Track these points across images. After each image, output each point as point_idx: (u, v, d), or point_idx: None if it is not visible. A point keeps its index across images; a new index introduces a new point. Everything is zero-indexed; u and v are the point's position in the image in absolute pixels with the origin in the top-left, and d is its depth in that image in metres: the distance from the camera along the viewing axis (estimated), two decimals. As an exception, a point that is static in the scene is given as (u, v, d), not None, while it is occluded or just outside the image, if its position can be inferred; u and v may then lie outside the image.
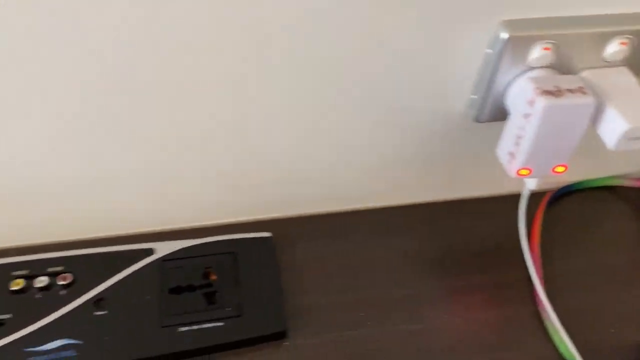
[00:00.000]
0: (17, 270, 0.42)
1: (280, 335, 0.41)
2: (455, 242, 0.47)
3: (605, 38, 0.37)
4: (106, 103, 0.37)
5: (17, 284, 0.41)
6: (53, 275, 0.42)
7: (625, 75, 0.38)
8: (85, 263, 0.43)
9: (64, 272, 0.42)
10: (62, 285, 0.41)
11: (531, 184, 0.43)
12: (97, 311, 0.40)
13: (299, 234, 0.47)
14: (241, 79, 0.37)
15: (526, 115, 0.35)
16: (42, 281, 0.41)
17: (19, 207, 0.43)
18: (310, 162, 0.44)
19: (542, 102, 0.34)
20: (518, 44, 0.36)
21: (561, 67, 0.38)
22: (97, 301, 0.41)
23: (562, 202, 0.50)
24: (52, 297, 0.41)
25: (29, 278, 0.41)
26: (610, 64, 0.38)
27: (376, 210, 0.49)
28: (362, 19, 0.35)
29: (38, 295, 0.41)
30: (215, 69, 0.36)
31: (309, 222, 0.48)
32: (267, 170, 0.44)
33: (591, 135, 0.37)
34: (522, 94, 0.36)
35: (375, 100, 0.40)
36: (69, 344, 0.38)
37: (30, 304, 0.40)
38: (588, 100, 0.34)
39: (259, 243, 0.45)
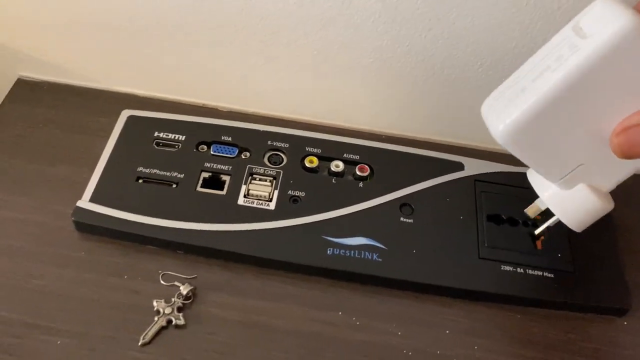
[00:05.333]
0: (312, 146, 0.36)
1: (619, 312, 0.32)
2: None
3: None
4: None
5: (311, 162, 0.35)
6: (350, 164, 0.35)
7: None
8: (385, 159, 0.36)
9: (361, 163, 0.35)
10: (360, 176, 0.35)
11: None
12: (403, 217, 0.33)
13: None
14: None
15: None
16: (337, 166, 0.35)
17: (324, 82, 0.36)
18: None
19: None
20: None
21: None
22: (402, 205, 0.34)
23: None
24: (348, 187, 0.34)
25: (323, 159, 0.35)
26: None
27: None
28: None
29: (333, 181, 0.35)
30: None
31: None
32: None
33: None
34: None
35: None
36: (372, 246, 0.32)
37: (325, 188, 0.34)
38: None
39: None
